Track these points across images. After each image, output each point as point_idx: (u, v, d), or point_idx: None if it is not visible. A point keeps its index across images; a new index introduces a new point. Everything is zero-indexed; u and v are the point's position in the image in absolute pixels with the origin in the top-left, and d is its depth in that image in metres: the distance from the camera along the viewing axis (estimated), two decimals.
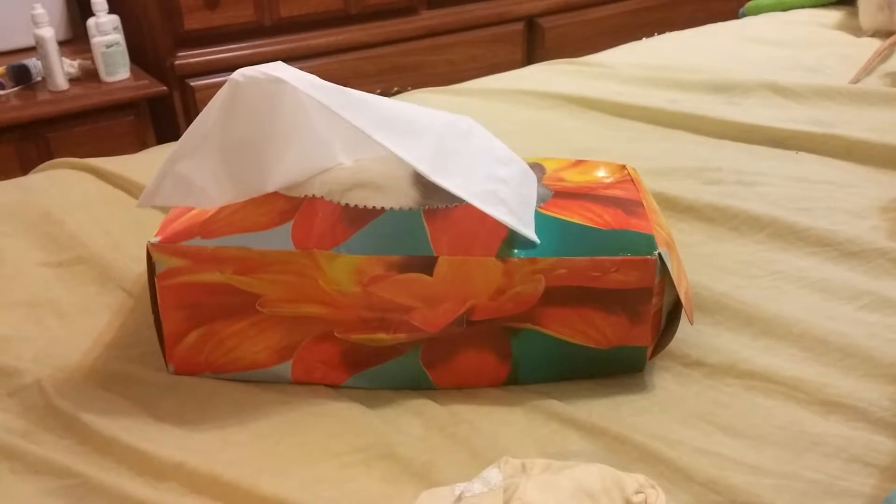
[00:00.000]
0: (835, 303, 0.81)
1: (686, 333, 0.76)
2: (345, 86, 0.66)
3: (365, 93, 0.66)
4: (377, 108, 0.65)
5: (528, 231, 0.66)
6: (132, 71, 1.72)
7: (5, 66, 1.66)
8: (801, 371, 0.72)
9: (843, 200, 0.99)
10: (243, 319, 0.70)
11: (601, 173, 0.80)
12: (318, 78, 0.66)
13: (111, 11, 1.66)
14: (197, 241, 0.69)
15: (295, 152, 0.71)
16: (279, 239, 0.68)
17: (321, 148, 0.72)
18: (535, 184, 0.74)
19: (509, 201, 0.67)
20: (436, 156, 0.65)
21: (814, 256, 0.88)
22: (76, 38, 1.85)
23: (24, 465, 0.64)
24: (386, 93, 1.44)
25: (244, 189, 0.71)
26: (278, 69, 0.64)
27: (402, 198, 0.69)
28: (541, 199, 0.73)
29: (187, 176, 0.68)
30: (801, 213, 0.95)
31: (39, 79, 1.68)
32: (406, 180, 0.70)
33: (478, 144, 0.72)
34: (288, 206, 0.70)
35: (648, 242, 0.69)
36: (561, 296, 0.68)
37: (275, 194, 0.71)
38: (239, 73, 0.64)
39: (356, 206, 0.70)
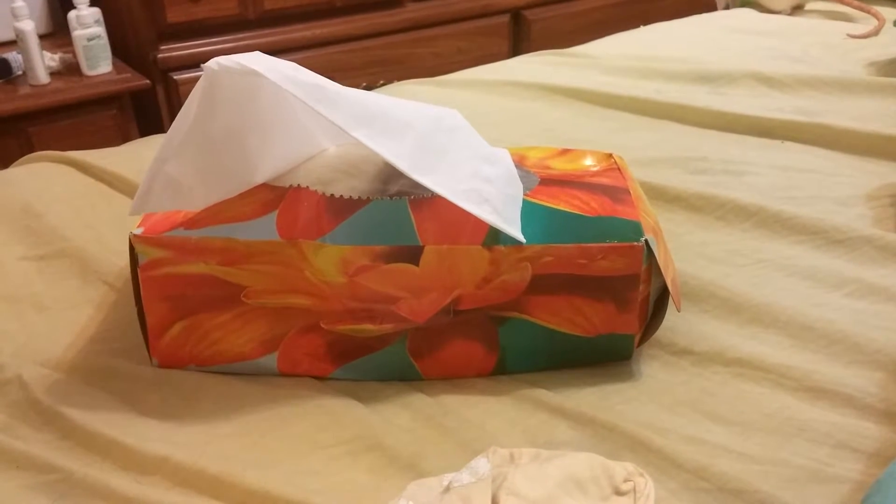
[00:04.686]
0: (821, 290, 0.81)
1: (673, 322, 0.76)
2: (330, 80, 0.65)
3: (343, 86, 0.65)
4: (356, 102, 0.64)
5: (514, 230, 0.66)
6: (114, 64, 1.70)
7: None
8: (788, 358, 0.72)
9: (828, 189, 0.99)
10: (228, 311, 0.69)
11: (588, 161, 0.80)
12: (297, 66, 0.65)
13: (92, 4, 1.64)
14: (180, 232, 0.68)
15: (279, 142, 0.70)
16: (264, 229, 0.67)
17: (305, 135, 0.72)
18: (521, 185, 0.73)
19: (493, 200, 0.66)
20: (417, 152, 0.64)
21: (800, 245, 0.88)
22: (57, 32, 1.83)
23: (5, 460, 0.63)
24: (372, 85, 1.43)
25: (232, 185, 0.70)
26: (254, 60, 0.63)
27: (369, 185, 0.69)
28: (527, 187, 0.73)
29: (176, 177, 0.67)
30: (787, 202, 0.95)
31: (20, 73, 1.66)
32: (373, 170, 0.69)
33: (464, 141, 0.71)
34: (272, 196, 0.70)
35: (635, 229, 0.68)
36: (548, 284, 0.68)
37: (259, 184, 0.71)
38: (214, 62, 0.63)
39: (341, 196, 0.69)
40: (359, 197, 0.69)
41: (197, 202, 0.69)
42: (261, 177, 0.70)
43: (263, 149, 0.69)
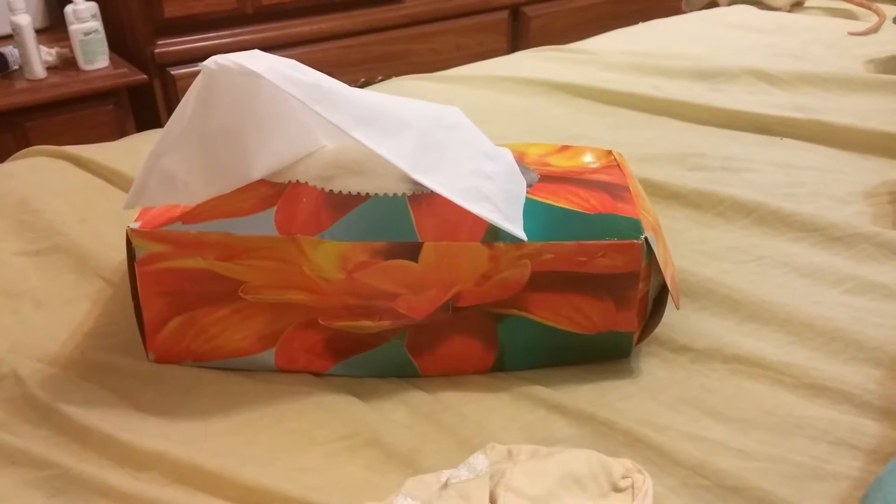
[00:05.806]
0: (820, 287, 0.81)
1: (672, 319, 0.75)
2: (328, 75, 0.64)
3: (343, 84, 0.65)
4: (355, 102, 0.64)
5: (516, 228, 0.65)
6: (111, 59, 1.70)
7: None
8: (786, 355, 0.72)
9: (827, 186, 0.99)
10: (226, 306, 0.69)
11: (587, 158, 0.79)
12: (296, 63, 0.64)
13: None
14: (178, 227, 0.68)
15: (277, 138, 0.70)
16: (262, 224, 0.67)
17: (303, 132, 0.71)
18: (524, 181, 0.73)
19: (494, 197, 0.65)
20: (418, 151, 0.64)
21: (799, 241, 0.88)
22: (54, 26, 1.82)
23: (1, 456, 0.63)
24: (370, 81, 1.43)
25: (229, 180, 0.69)
26: (253, 59, 0.62)
27: (390, 182, 0.68)
28: (528, 184, 0.72)
29: (171, 171, 0.67)
30: (785, 199, 0.95)
31: (16, 67, 1.65)
32: (394, 166, 0.69)
33: (465, 139, 0.70)
34: (271, 191, 0.69)
35: (635, 226, 0.68)
36: (547, 281, 0.68)
37: (258, 180, 0.70)
38: (212, 62, 0.62)
39: (340, 192, 0.69)
40: (357, 193, 0.68)
41: (192, 197, 0.69)
42: (257, 172, 0.70)
43: (261, 145, 0.69)
